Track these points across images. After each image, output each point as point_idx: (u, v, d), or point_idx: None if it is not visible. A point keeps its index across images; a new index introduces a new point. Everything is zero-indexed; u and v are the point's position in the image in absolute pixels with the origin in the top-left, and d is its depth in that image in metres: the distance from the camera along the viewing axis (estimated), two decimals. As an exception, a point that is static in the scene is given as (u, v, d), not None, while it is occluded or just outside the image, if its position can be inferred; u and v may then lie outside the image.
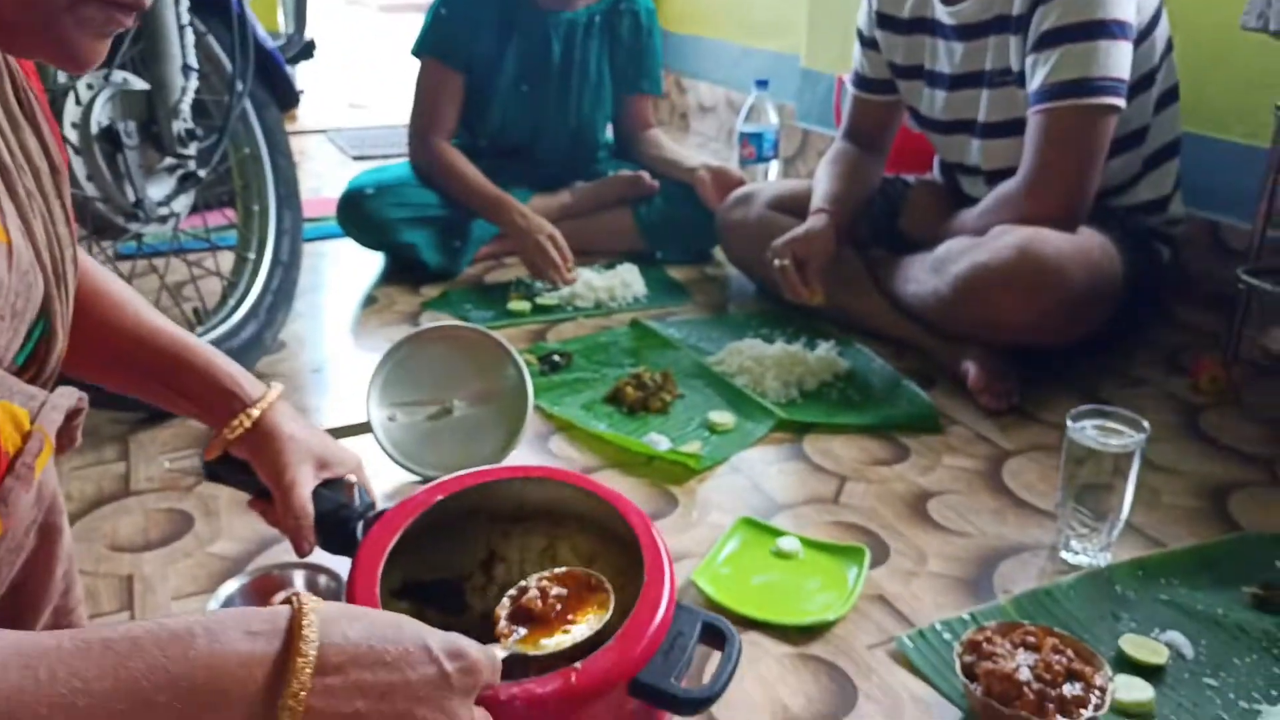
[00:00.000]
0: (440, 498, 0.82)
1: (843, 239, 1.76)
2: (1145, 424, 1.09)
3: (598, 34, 2.22)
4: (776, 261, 1.72)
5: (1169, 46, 1.60)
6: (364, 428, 1.32)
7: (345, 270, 2.14)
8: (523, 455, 1.36)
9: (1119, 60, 1.46)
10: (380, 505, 0.90)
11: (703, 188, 2.17)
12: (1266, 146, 1.55)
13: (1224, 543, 1.16)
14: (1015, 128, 1.57)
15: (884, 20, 1.76)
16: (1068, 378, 1.59)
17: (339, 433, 1.33)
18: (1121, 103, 1.46)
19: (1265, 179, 1.51)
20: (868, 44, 1.82)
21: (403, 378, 1.35)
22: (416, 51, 2.17)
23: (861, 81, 1.86)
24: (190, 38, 1.43)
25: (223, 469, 0.93)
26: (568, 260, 1.96)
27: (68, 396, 0.60)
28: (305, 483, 0.89)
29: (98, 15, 0.58)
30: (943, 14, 1.65)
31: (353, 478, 0.92)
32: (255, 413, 0.88)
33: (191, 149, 1.43)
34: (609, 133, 2.39)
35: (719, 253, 2.17)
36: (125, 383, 0.91)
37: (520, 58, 2.17)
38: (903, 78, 1.78)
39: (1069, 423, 1.11)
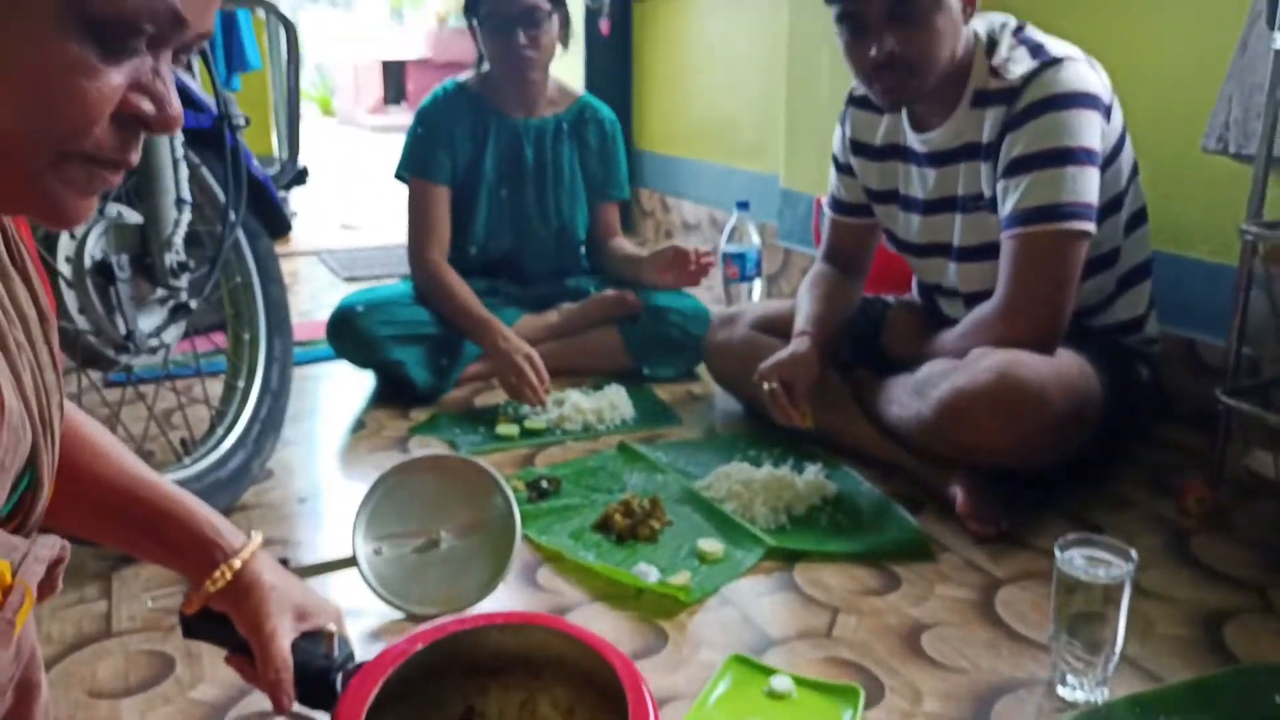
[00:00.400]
0: (419, 648, 0.81)
1: (826, 360, 1.79)
2: (1133, 553, 1.09)
3: (567, 139, 2.31)
4: (765, 386, 1.73)
5: (1135, 170, 1.66)
6: (349, 562, 1.31)
7: (335, 394, 2.15)
8: (510, 588, 1.34)
9: (1087, 186, 1.50)
10: (364, 647, 0.89)
11: (650, 270, 2.25)
12: (1234, 265, 1.59)
13: (1222, 677, 1.15)
14: (990, 251, 1.61)
15: (858, 147, 1.82)
16: (1055, 500, 1.60)
17: (325, 568, 1.32)
18: (1091, 227, 1.50)
19: (1235, 299, 1.54)
20: (843, 169, 1.87)
21: (389, 509, 1.34)
22: (400, 175, 2.24)
23: (838, 205, 1.91)
24: (184, 171, 1.46)
25: (200, 623, 0.92)
26: (544, 382, 1.98)
27: (50, 547, 0.59)
28: (285, 635, 0.88)
29: (83, 173, 0.58)
30: (914, 141, 1.70)
31: (332, 627, 0.90)
32: (237, 563, 0.88)
33: (184, 280, 1.45)
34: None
35: (705, 370, 2.19)
36: (104, 533, 0.90)
37: (497, 164, 2.26)
38: (878, 202, 1.83)
39: (1058, 553, 1.11)
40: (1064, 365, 1.49)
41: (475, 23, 2.18)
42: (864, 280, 1.95)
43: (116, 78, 0.56)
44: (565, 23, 2.19)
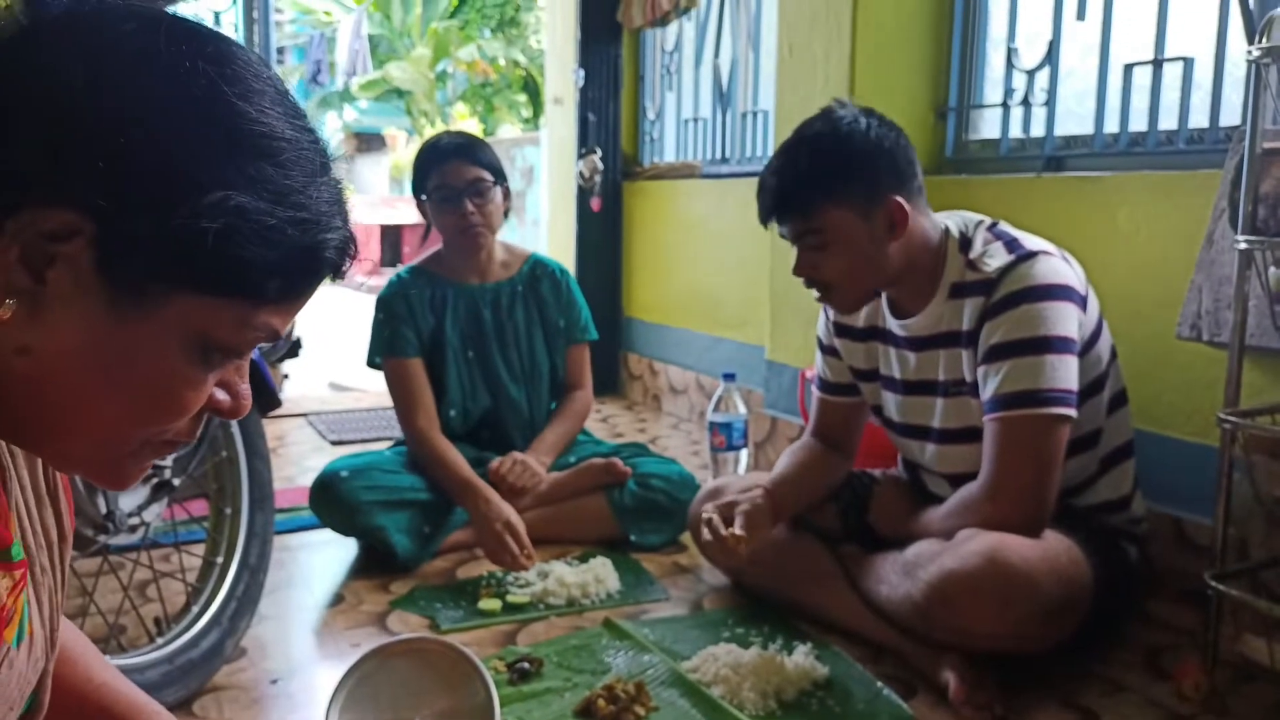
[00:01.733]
0: None
1: (780, 520, 1.81)
2: (1131, 752, 1.06)
3: (523, 299, 2.38)
4: (703, 515, 1.77)
5: (1113, 354, 1.70)
6: (321, 753, 1.25)
7: (314, 565, 2.11)
8: (488, 781, 1.29)
9: (1066, 373, 1.53)
10: None
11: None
12: (1215, 445, 1.61)
13: None
14: (971, 435, 1.63)
15: (841, 329, 1.87)
16: (1049, 684, 1.56)
17: (294, 758, 1.27)
18: (1072, 412, 1.53)
19: (1218, 484, 1.55)
20: (828, 351, 1.91)
21: (364, 695, 1.30)
22: (372, 363, 2.30)
23: (825, 385, 1.94)
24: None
25: None
26: (524, 548, 1.96)
27: None
28: None
29: (151, 453, 0.64)
30: (894, 326, 1.75)
31: None
32: None
33: (169, 459, 1.45)
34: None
35: (691, 539, 2.17)
36: None
37: (459, 329, 2.33)
38: (863, 380, 1.87)
39: (1053, 751, 1.08)
40: (1053, 550, 1.49)
41: (424, 198, 2.29)
42: (852, 459, 1.96)
43: (211, 381, 0.63)
44: (507, 194, 2.30)
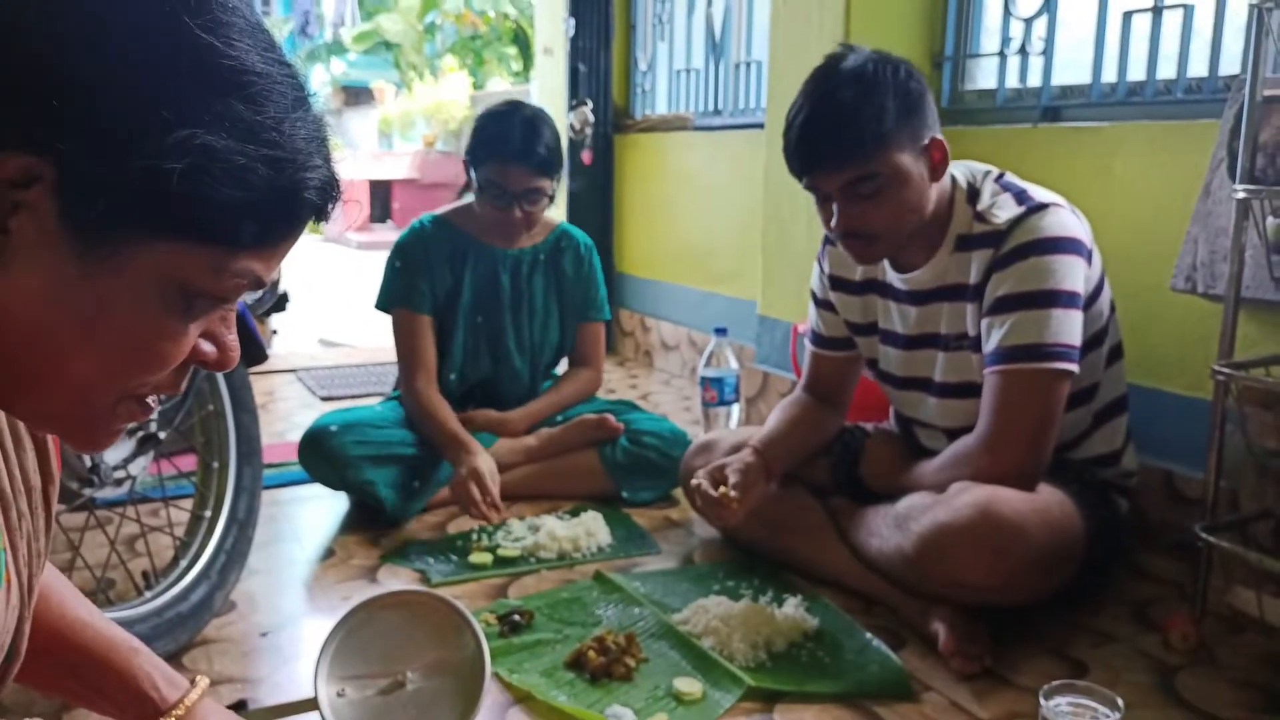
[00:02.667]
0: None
1: (772, 479, 1.80)
2: (1120, 702, 1.07)
3: (543, 268, 2.33)
4: (693, 481, 1.76)
5: (1112, 308, 1.69)
6: (311, 704, 1.25)
7: (304, 520, 2.10)
8: (479, 732, 1.29)
9: (1070, 328, 1.52)
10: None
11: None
12: (1208, 398, 1.60)
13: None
14: (970, 390, 1.62)
15: (836, 282, 1.84)
16: (1039, 635, 1.57)
17: (284, 710, 1.27)
18: (1075, 367, 1.52)
19: (1211, 437, 1.55)
20: (822, 305, 1.89)
21: (354, 648, 1.29)
22: (382, 306, 2.25)
23: (819, 340, 1.92)
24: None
25: None
26: (488, 497, 1.92)
27: None
28: None
29: (133, 409, 0.62)
30: (895, 280, 1.72)
31: None
32: None
33: (154, 411, 1.43)
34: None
35: (683, 494, 2.17)
36: (42, 678, 0.87)
37: (474, 292, 2.27)
38: (860, 334, 1.85)
39: (1043, 701, 1.08)
40: (1045, 502, 1.49)
41: (474, 168, 2.18)
42: (844, 413, 1.95)
43: (194, 333, 0.61)
44: (557, 184, 2.22)
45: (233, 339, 0.64)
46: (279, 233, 0.60)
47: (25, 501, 0.70)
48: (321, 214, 0.62)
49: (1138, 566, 1.83)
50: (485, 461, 1.99)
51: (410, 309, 2.22)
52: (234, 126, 0.55)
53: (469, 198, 2.28)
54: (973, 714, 1.35)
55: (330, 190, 0.62)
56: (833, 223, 1.58)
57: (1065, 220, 1.56)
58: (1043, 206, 1.56)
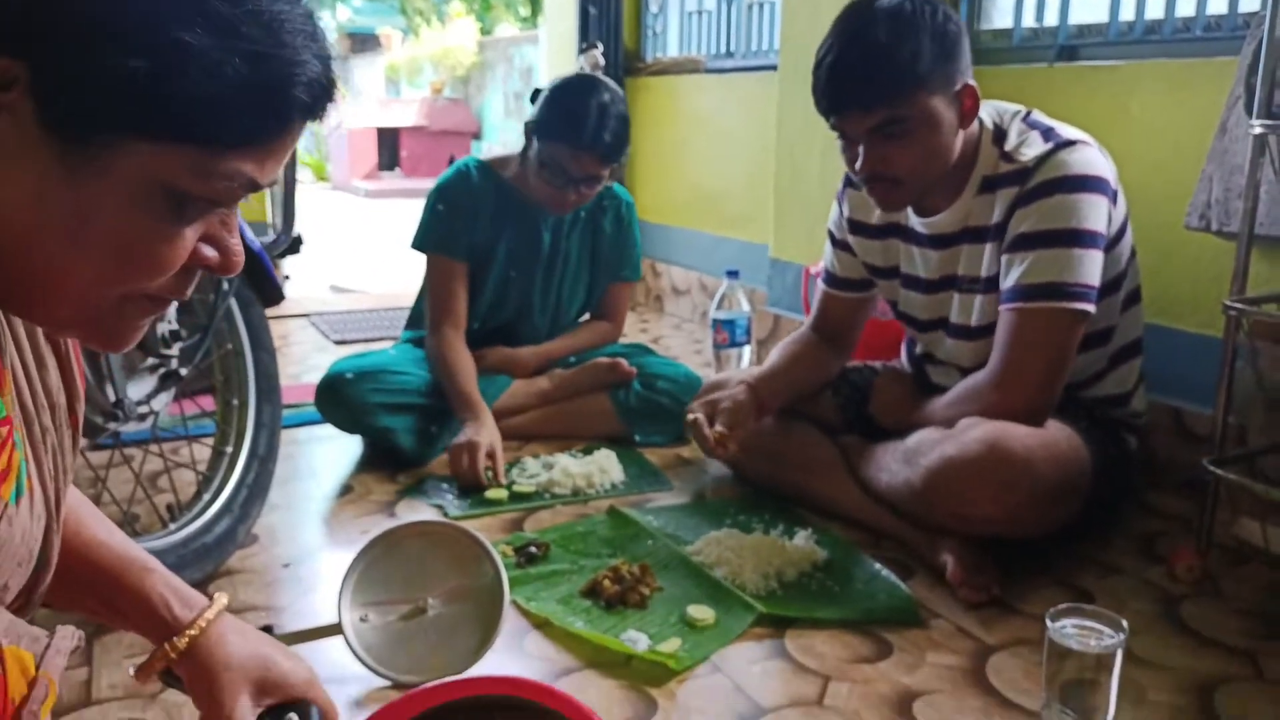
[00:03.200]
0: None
1: (765, 414, 1.83)
2: (1124, 623, 1.09)
3: (582, 228, 2.32)
4: (689, 416, 1.78)
5: (1133, 252, 1.68)
6: (335, 629, 1.29)
7: (322, 458, 2.14)
8: (498, 655, 1.32)
9: (1090, 268, 1.51)
10: (350, 716, 0.87)
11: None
12: (1219, 337, 1.61)
13: (1214, 746, 1.14)
14: (982, 331, 1.63)
15: (855, 226, 1.83)
16: (1046, 567, 1.59)
17: (309, 635, 1.30)
18: (1092, 308, 1.51)
19: (1221, 371, 1.56)
20: (839, 245, 1.88)
21: (376, 576, 1.33)
22: (419, 246, 2.24)
23: (832, 280, 1.91)
24: (180, 240, 1.47)
25: (173, 678, 0.89)
26: (477, 470, 1.90)
27: (69, 638, 0.60)
28: (243, 717, 0.85)
29: (140, 309, 0.62)
30: (916, 224, 1.71)
31: (293, 717, 0.88)
32: (182, 642, 0.85)
33: (175, 349, 1.46)
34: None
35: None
36: (63, 597, 0.88)
37: (511, 247, 2.26)
38: (881, 277, 1.84)
39: (1049, 623, 1.11)
40: (1053, 437, 1.50)
41: (537, 138, 2.13)
42: (848, 354, 1.96)
43: (191, 236, 0.60)
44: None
45: (235, 243, 0.63)
46: (266, 131, 0.59)
47: (49, 417, 0.71)
48: (312, 112, 0.61)
49: (1145, 502, 1.86)
50: (486, 434, 1.97)
51: (447, 254, 2.21)
52: (209, 21, 0.54)
53: (479, 148, 2.27)
54: (979, 639, 1.39)
55: (321, 88, 0.60)
56: (858, 165, 1.56)
57: (1093, 158, 1.54)
58: (1070, 143, 1.54)
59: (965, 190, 1.62)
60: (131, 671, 1.27)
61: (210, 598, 0.90)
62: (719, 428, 1.74)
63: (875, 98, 1.50)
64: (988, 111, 1.63)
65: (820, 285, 1.95)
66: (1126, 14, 2.13)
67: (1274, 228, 1.66)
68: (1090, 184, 1.52)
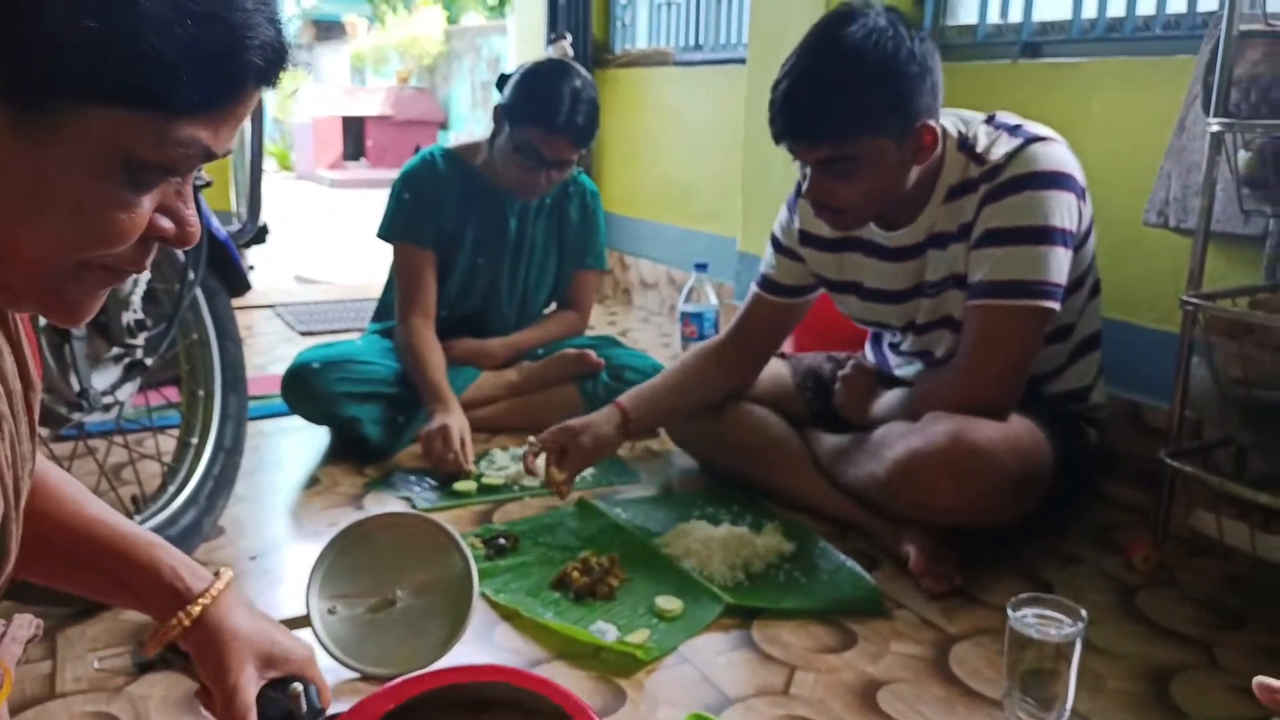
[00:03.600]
0: (389, 709, 0.81)
1: (631, 439, 1.81)
2: (1084, 612, 1.12)
3: (548, 214, 2.33)
4: (531, 439, 1.77)
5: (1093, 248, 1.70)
6: (303, 621, 1.29)
7: (288, 449, 2.12)
8: (467, 647, 1.33)
9: (1057, 266, 1.52)
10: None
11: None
12: (1176, 332, 1.65)
13: (1169, 731, 1.17)
14: (950, 324, 1.65)
15: (807, 238, 1.78)
16: (1007, 557, 1.62)
17: (277, 627, 1.30)
18: (1057, 306, 1.53)
19: (1178, 365, 1.59)
20: (786, 253, 1.83)
21: (344, 568, 1.33)
22: (385, 236, 2.23)
23: (771, 285, 1.85)
24: (144, 230, 1.46)
25: (172, 656, 0.90)
26: (449, 454, 1.91)
27: (26, 626, 0.60)
28: (248, 687, 0.87)
29: (98, 280, 0.61)
30: (878, 236, 1.68)
31: (299, 686, 0.89)
32: (195, 610, 0.86)
33: (140, 338, 1.44)
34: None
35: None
36: (62, 576, 0.89)
37: (478, 234, 2.26)
38: (836, 291, 1.81)
39: (1010, 612, 1.13)
40: (1015, 431, 1.52)
41: (509, 122, 2.13)
42: (759, 370, 1.92)
43: (147, 205, 0.60)
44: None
45: (191, 214, 0.62)
46: (220, 97, 0.58)
47: (5, 403, 0.71)
48: (267, 77, 0.60)
49: (1104, 494, 1.89)
50: (456, 419, 1.98)
51: (414, 243, 2.21)
52: None
53: (445, 138, 2.26)
54: (942, 629, 1.41)
55: (275, 51, 0.60)
56: (804, 189, 1.57)
57: (1061, 154, 1.55)
58: (1039, 138, 1.55)
59: (929, 202, 1.61)
60: (97, 664, 1.27)
61: (216, 572, 0.91)
62: (557, 473, 1.72)
63: (819, 136, 1.50)
64: (950, 120, 1.62)
65: (754, 289, 1.89)
66: (1089, 12, 2.16)
67: (1230, 225, 1.70)
68: (1060, 180, 1.53)
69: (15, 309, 0.70)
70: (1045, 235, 1.52)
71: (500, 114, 2.17)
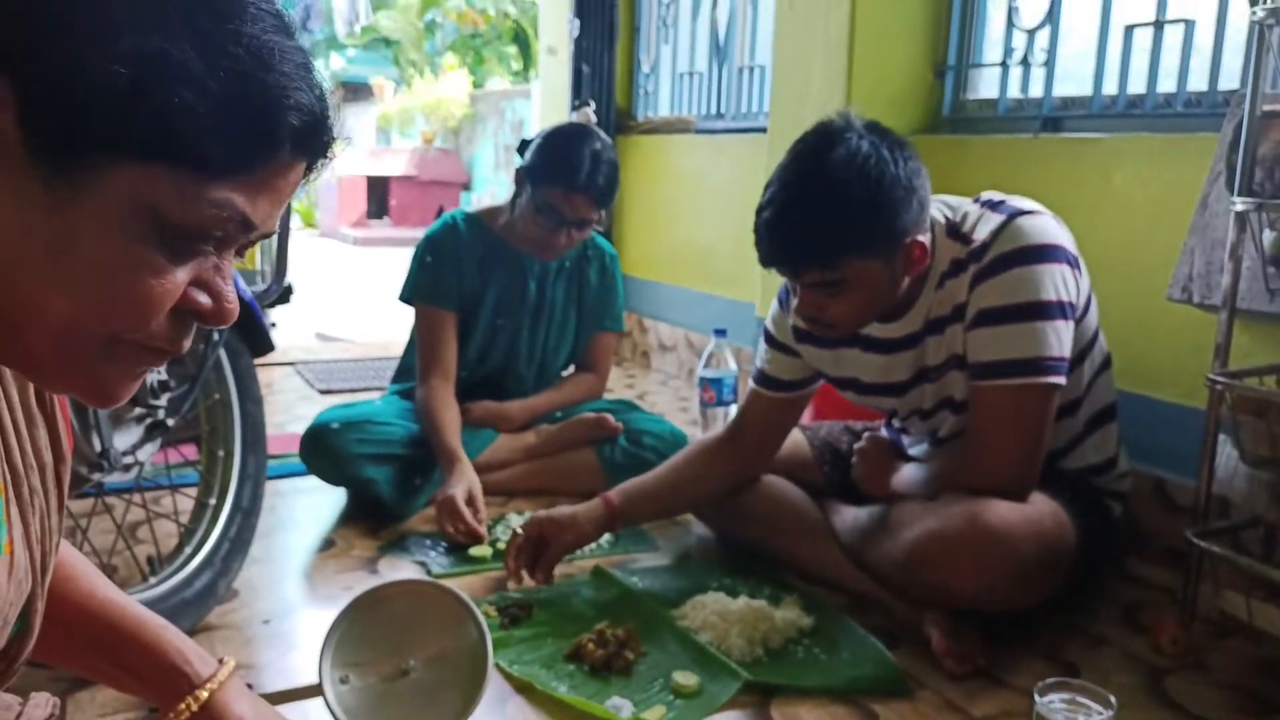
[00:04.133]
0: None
1: (614, 531, 1.78)
2: (1113, 699, 1.09)
3: (567, 277, 2.35)
4: (517, 534, 1.73)
5: (1098, 322, 1.69)
6: (315, 690, 1.27)
7: (304, 510, 2.12)
8: (480, 721, 1.30)
9: (1059, 339, 1.50)
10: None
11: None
12: (1201, 407, 1.63)
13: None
14: (952, 405, 1.63)
15: (801, 334, 1.75)
16: (1031, 638, 1.59)
17: (288, 696, 1.28)
18: (1063, 380, 1.51)
19: (1204, 444, 1.57)
20: (779, 348, 1.80)
21: (358, 635, 1.31)
22: (406, 299, 2.26)
23: (768, 381, 1.82)
24: (171, 291, 1.47)
25: None
26: (460, 527, 1.90)
27: (43, 706, 0.59)
28: None
29: (132, 358, 0.59)
30: (875, 329, 1.65)
31: None
32: (203, 695, 0.86)
33: (163, 399, 1.45)
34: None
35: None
36: (69, 657, 0.89)
37: (499, 296, 2.28)
38: (838, 385, 1.79)
39: (1037, 698, 1.10)
40: (1035, 512, 1.49)
41: (530, 183, 2.16)
42: (766, 465, 1.88)
43: (181, 276, 0.58)
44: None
45: (230, 291, 0.61)
46: (253, 157, 0.57)
47: (37, 478, 0.70)
48: (304, 145, 0.59)
49: (1129, 572, 1.86)
50: (462, 489, 1.95)
51: (435, 305, 2.23)
52: (196, 38, 0.53)
53: (468, 199, 2.30)
54: (966, 712, 1.38)
55: (315, 118, 0.58)
56: (795, 306, 1.56)
57: (1047, 226, 1.53)
58: (1022, 213, 1.53)
59: (923, 294, 1.60)
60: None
61: (220, 660, 0.91)
62: (525, 576, 1.70)
63: (803, 264, 1.50)
64: (938, 208, 1.61)
65: (752, 386, 1.86)
66: (1109, 88, 2.18)
67: (1255, 302, 1.69)
68: (1049, 254, 1.51)
69: (44, 387, 0.69)
70: (1041, 310, 1.49)
71: (522, 176, 2.20)
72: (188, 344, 0.62)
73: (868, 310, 1.56)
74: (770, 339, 1.82)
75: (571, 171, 2.11)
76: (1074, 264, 1.56)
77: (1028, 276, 1.50)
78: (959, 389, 1.61)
